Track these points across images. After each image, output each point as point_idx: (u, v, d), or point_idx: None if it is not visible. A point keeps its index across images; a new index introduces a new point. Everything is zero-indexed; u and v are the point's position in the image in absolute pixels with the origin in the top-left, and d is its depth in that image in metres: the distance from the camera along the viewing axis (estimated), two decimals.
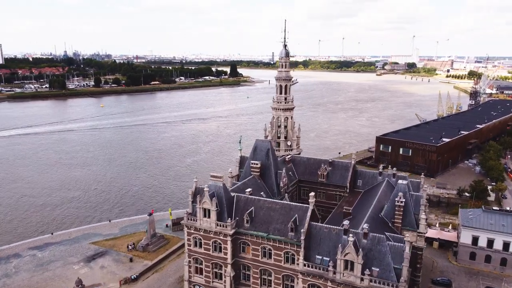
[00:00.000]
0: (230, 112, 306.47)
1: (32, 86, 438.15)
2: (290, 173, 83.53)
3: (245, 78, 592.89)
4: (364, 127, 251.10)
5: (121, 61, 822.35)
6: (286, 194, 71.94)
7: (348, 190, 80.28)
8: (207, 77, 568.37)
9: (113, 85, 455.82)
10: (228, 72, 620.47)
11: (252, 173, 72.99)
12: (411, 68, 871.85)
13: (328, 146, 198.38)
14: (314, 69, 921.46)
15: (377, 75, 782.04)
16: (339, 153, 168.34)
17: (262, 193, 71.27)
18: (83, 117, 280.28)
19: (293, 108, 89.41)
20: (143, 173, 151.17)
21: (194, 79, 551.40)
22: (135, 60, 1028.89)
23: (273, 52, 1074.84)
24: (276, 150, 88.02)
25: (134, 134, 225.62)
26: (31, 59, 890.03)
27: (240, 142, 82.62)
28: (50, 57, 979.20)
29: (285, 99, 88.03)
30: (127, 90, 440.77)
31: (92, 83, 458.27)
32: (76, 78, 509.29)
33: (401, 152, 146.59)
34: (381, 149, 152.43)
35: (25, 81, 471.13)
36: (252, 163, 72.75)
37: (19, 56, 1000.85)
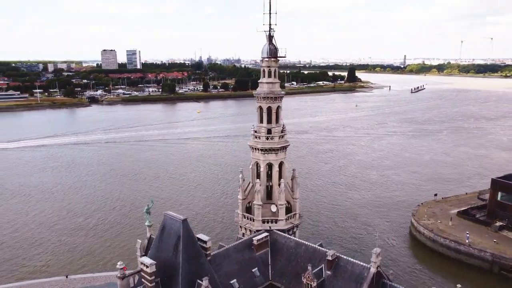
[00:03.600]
0: (333, 123, 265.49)
1: (150, 90, 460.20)
2: (255, 270, 45.58)
3: (362, 84, 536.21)
4: (506, 150, 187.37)
5: (240, 66, 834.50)
6: None
7: None
8: (320, 82, 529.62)
9: (220, 90, 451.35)
10: (346, 76, 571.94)
11: (143, 280, 38.10)
12: None
13: (444, 176, 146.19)
14: (450, 74, 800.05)
15: None
16: (435, 194, 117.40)
17: None
18: (178, 122, 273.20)
19: (285, 148, 50.64)
20: (193, 197, 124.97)
21: (306, 84, 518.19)
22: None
23: (405, 55, 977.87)
24: (249, 220, 50.56)
25: (216, 146, 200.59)
26: (167, 64, 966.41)
27: (148, 212, 45.92)
28: (183, 62, 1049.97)
29: (269, 132, 49.87)
30: (232, 95, 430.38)
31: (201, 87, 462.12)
32: (192, 82, 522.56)
33: None
34: (498, 198, 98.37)
35: (148, 85, 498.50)
36: (141, 265, 37.80)
37: (164, 62, 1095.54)
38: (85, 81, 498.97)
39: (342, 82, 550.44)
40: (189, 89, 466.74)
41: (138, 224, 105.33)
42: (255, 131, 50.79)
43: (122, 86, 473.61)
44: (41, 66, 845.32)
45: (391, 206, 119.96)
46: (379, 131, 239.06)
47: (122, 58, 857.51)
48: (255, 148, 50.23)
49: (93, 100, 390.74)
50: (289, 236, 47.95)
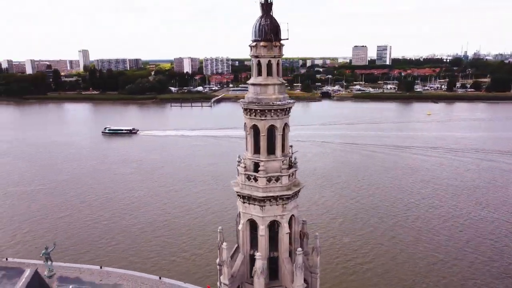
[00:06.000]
0: None
1: (389, 87, 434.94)
2: None
3: None
4: None
5: (509, 61, 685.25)
6: None
7: None
8: None
9: (469, 90, 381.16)
10: None
11: None
12: None
13: None
14: None
15: None
16: None
17: None
18: (402, 122, 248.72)
19: (281, 199, 28.09)
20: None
21: None
22: None
23: None
24: None
25: (451, 165, 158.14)
26: (421, 60, 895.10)
27: (47, 258, 29.68)
28: (443, 58, 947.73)
29: (255, 167, 28.50)
30: (481, 96, 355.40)
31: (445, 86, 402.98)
32: (440, 80, 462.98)
33: None
34: None
35: (388, 81, 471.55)
36: None
37: (420, 57, 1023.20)
38: (329, 76, 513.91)
39: None
40: (430, 87, 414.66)
41: None
42: (244, 166, 30.68)
43: (361, 82, 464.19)
44: (300, 62, 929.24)
45: None
46: None
47: (373, 54, 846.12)
48: (242, 197, 30.33)
49: (325, 95, 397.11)
50: None
